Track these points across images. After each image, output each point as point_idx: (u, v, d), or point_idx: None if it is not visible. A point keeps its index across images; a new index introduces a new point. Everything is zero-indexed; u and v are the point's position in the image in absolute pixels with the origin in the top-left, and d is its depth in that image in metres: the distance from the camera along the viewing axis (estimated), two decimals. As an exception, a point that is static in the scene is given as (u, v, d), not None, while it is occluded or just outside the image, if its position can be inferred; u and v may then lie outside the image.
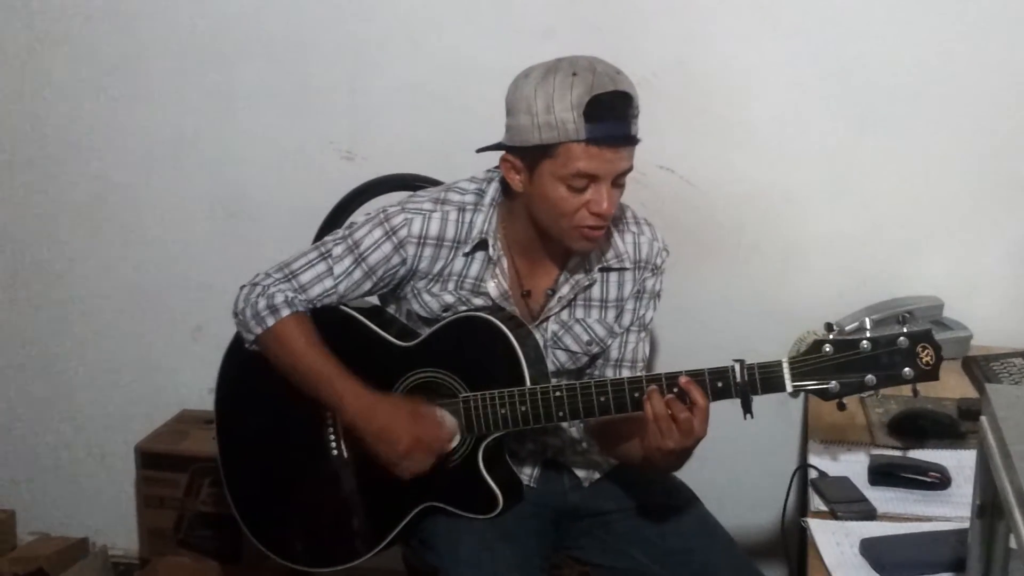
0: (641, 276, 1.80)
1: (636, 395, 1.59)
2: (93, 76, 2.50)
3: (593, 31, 2.19)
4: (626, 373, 1.81)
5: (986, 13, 2.11)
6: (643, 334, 1.84)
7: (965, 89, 2.15)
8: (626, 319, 1.81)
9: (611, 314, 1.80)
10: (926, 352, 1.51)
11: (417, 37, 2.33)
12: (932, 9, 2.13)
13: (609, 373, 1.82)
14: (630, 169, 1.65)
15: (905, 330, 1.52)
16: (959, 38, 2.13)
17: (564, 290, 1.77)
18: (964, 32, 2.12)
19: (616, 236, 1.78)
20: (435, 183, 1.91)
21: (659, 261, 1.81)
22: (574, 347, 1.79)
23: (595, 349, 1.81)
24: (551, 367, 1.77)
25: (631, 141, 1.62)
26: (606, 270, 1.78)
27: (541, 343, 1.76)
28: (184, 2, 2.42)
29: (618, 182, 1.64)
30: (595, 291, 1.79)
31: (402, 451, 1.67)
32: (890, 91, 2.17)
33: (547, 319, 1.78)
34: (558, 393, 1.64)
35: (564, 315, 1.78)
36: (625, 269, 1.79)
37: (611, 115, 1.58)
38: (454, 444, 1.71)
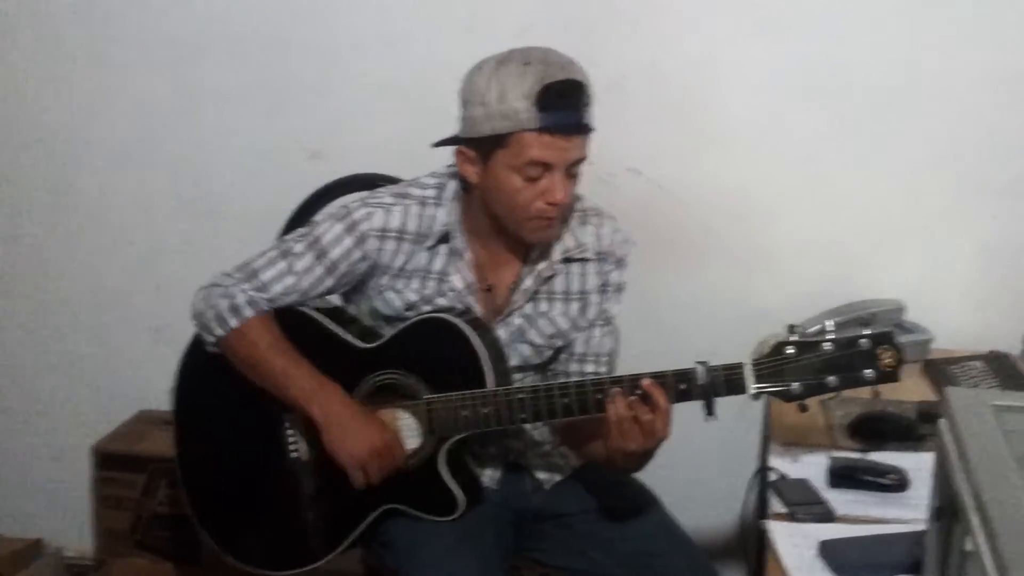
0: (605, 269, 1.80)
1: (599, 397, 1.58)
2: (57, 72, 2.47)
3: (566, 31, 2.18)
4: (590, 368, 1.81)
5: (958, 20, 2.12)
6: (608, 328, 1.83)
7: (932, 96, 2.17)
8: (590, 313, 1.81)
9: (575, 307, 1.80)
10: (887, 354, 1.51)
11: (388, 36, 2.31)
12: (905, 15, 2.14)
13: (574, 367, 1.82)
14: (584, 159, 1.65)
15: (866, 332, 1.52)
16: (929, 45, 2.14)
17: (527, 282, 1.76)
18: (934, 39, 2.14)
19: (576, 225, 1.78)
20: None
21: (622, 253, 1.81)
22: (538, 340, 1.79)
23: (559, 342, 1.81)
24: (516, 361, 1.77)
25: (584, 130, 1.63)
26: (568, 260, 1.78)
27: (506, 338, 1.75)
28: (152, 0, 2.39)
29: (572, 172, 1.65)
30: (558, 283, 1.78)
31: (357, 460, 1.67)
32: (859, 97, 2.19)
33: (511, 313, 1.77)
34: (520, 395, 1.63)
35: (528, 308, 1.78)
36: (587, 260, 1.79)
37: (563, 104, 1.59)
38: (409, 456, 1.71)
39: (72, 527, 2.65)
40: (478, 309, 1.75)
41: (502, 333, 1.76)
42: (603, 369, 1.83)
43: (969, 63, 2.14)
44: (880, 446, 1.76)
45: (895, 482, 1.63)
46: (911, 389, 1.96)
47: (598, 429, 1.63)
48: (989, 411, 1.13)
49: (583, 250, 1.78)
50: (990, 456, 1.03)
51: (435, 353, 1.70)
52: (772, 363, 1.54)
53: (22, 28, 2.45)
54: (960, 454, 1.06)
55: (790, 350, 1.53)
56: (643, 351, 2.27)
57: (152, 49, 2.41)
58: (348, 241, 1.72)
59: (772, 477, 1.68)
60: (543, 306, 1.79)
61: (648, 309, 2.25)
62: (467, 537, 1.68)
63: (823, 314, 2.12)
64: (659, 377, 1.56)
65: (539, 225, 1.67)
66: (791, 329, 1.56)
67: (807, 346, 1.53)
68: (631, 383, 1.57)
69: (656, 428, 1.54)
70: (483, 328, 1.71)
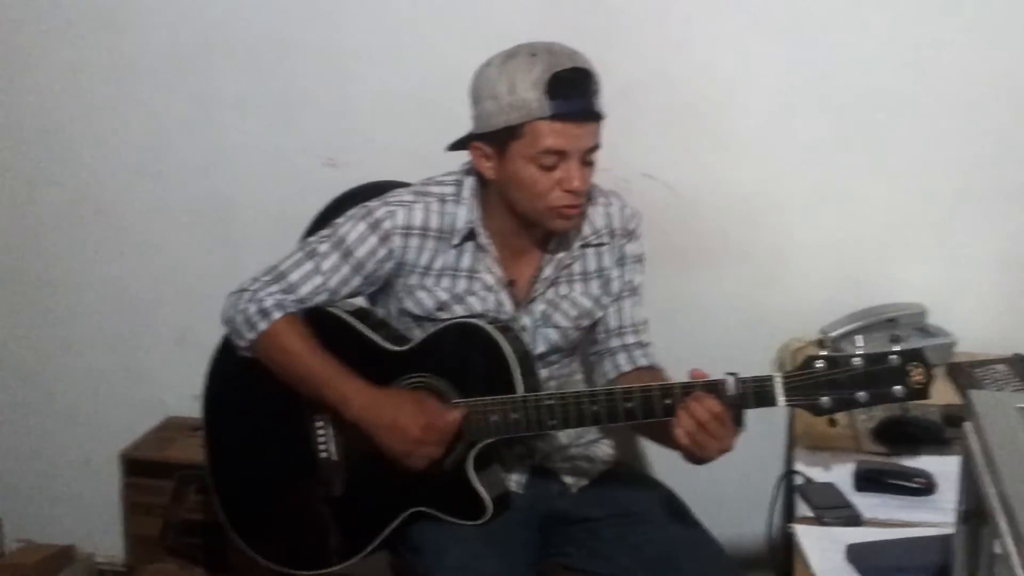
0: (619, 243, 1.83)
1: (628, 406, 1.59)
2: (76, 82, 2.49)
3: (576, 38, 2.17)
4: (631, 339, 1.84)
5: (970, 21, 2.12)
6: (636, 298, 1.86)
7: (950, 96, 2.16)
8: (615, 287, 1.84)
9: (595, 285, 1.82)
10: (917, 371, 1.51)
11: (401, 45, 2.33)
12: (917, 16, 2.14)
13: (615, 343, 1.84)
14: (598, 147, 1.67)
15: (897, 348, 1.52)
16: (942, 45, 2.14)
17: (547, 271, 1.79)
18: (948, 39, 2.13)
19: (591, 212, 1.81)
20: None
21: (632, 226, 1.84)
22: (563, 323, 1.81)
23: (585, 322, 1.83)
24: (543, 347, 1.79)
25: (595, 116, 1.65)
26: (586, 247, 1.81)
27: (530, 324, 1.77)
28: (168, 9, 2.41)
29: (587, 159, 1.67)
30: (576, 266, 1.81)
31: (413, 441, 1.67)
32: (874, 99, 2.18)
33: (533, 300, 1.79)
34: (550, 401, 1.64)
35: (550, 294, 1.80)
36: (603, 244, 1.82)
37: (573, 91, 1.62)
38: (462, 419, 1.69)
39: (102, 533, 2.67)
40: (508, 304, 1.77)
41: (526, 321, 1.78)
42: (644, 338, 1.85)
43: (989, 64, 2.13)
44: (905, 450, 1.77)
45: (922, 485, 1.64)
46: (935, 393, 1.94)
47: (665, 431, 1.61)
48: (1014, 414, 1.14)
49: (599, 236, 1.81)
50: (1016, 459, 1.03)
51: (465, 358, 1.71)
52: (802, 377, 1.53)
53: (38, 38, 2.47)
54: (986, 457, 1.06)
55: (820, 364, 1.52)
56: (661, 357, 2.29)
57: (169, 58, 2.43)
58: (373, 240, 1.73)
59: (798, 481, 1.69)
60: (563, 289, 1.81)
61: (665, 314, 2.24)
62: (495, 542, 1.69)
63: (844, 318, 2.12)
64: (689, 387, 1.56)
65: (561, 214, 1.69)
66: (821, 344, 1.56)
67: (837, 361, 1.52)
68: (662, 392, 1.57)
69: (726, 434, 1.53)
70: (512, 334, 1.72)
